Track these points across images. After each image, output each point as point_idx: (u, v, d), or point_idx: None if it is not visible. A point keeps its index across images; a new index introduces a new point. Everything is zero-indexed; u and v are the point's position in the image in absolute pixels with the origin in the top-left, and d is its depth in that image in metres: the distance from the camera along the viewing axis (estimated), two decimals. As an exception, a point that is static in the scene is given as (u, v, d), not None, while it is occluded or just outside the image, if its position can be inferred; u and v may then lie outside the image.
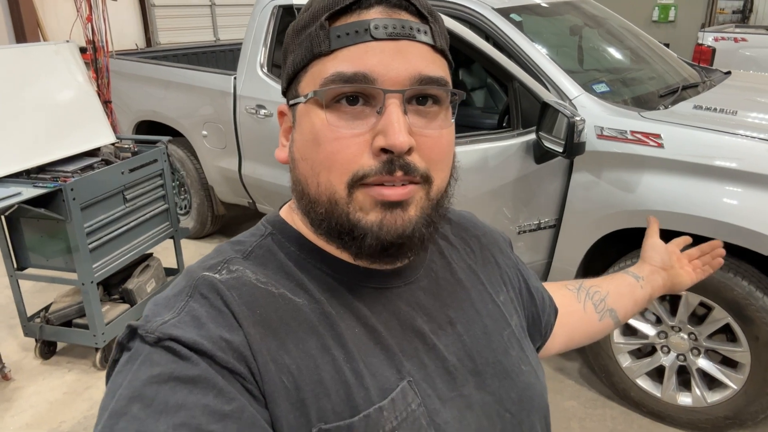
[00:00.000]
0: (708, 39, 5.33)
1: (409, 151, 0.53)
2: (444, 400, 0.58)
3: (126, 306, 2.68)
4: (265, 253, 0.60)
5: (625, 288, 0.95)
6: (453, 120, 0.59)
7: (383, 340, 0.58)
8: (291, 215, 0.64)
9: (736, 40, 5.26)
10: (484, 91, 3.94)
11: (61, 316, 2.57)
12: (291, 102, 0.60)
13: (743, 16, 10.44)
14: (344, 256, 0.60)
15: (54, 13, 6.45)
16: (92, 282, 2.42)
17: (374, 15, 0.54)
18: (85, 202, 2.35)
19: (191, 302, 0.54)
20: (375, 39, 0.53)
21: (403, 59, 0.54)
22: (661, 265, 0.99)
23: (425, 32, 0.56)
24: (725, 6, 9.99)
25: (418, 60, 0.54)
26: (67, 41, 2.75)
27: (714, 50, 5.20)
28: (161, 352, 0.50)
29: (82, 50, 2.82)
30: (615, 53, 2.87)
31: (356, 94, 0.54)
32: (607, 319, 0.91)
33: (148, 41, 7.94)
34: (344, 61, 0.53)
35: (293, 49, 0.58)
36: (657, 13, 8.12)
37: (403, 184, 0.54)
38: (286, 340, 0.54)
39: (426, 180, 0.55)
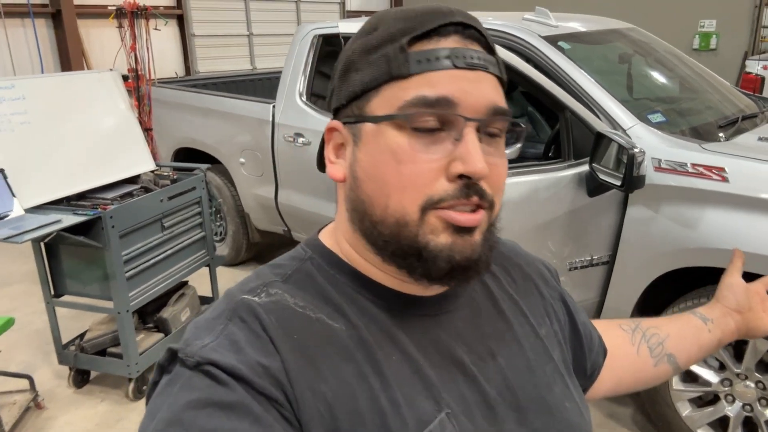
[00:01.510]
0: (756, 67, 5.16)
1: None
2: None
3: (160, 335, 2.63)
4: (305, 277, 0.60)
5: (689, 331, 0.86)
6: (507, 151, 0.60)
7: (422, 369, 0.56)
8: (331, 239, 0.63)
9: (787, 68, 5.09)
10: (525, 120, 3.86)
11: (96, 345, 2.54)
12: (354, 119, 0.58)
13: (787, 44, 10.18)
14: (387, 282, 0.60)
15: (99, 42, 6.63)
16: (128, 311, 2.38)
17: (452, 44, 0.55)
18: (123, 229, 2.33)
19: (230, 326, 0.54)
20: (456, 67, 0.54)
21: (481, 89, 0.55)
22: (736, 308, 0.89)
23: (493, 64, 0.57)
24: (767, 34, 9.76)
25: (491, 91, 0.56)
26: (111, 69, 2.78)
27: (763, 79, 5.02)
28: (200, 377, 0.50)
29: (125, 78, 2.85)
30: (667, 82, 2.76)
31: (440, 119, 0.54)
32: (664, 365, 0.84)
33: (188, 69, 8.08)
34: (426, 86, 0.54)
35: (362, 67, 0.57)
36: (698, 41, 7.96)
37: (472, 210, 0.54)
38: (323, 367, 0.53)
39: (491, 206, 0.56)
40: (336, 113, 0.61)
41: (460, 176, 0.53)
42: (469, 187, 0.53)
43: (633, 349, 0.83)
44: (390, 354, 0.56)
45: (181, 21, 7.94)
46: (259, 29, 9.13)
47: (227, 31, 8.74)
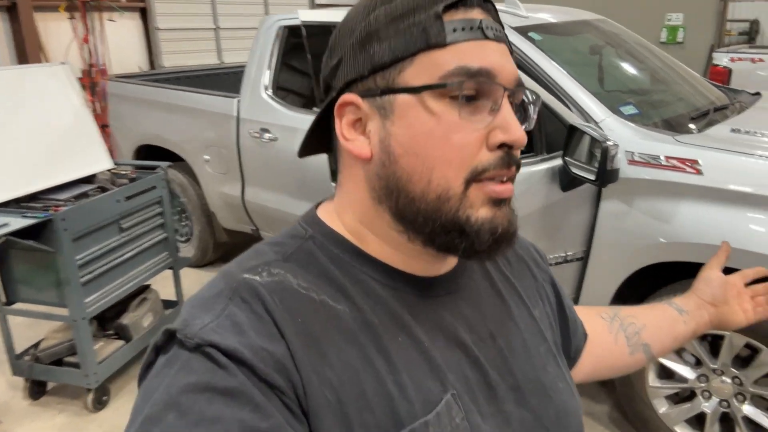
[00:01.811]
0: (723, 60, 5.20)
1: None
2: (485, 416, 0.56)
3: (121, 342, 2.51)
4: (306, 256, 0.57)
5: (664, 322, 0.88)
6: None
7: (427, 351, 0.55)
8: (332, 217, 0.61)
9: (753, 60, 5.13)
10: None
11: (52, 354, 2.40)
12: (381, 91, 0.55)
13: (750, 37, 10.37)
14: (393, 262, 0.58)
15: (57, 35, 6.35)
16: (84, 318, 2.26)
17: (477, 15, 0.55)
18: (77, 232, 2.20)
19: (231, 306, 0.51)
20: (486, 38, 0.54)
21: (508, 61, 0.56)
22: (711, 300, 0.90)
23: (507, 37, 0.58)
24: (731, 27, 9.92)
25: (513, 63, 0.56)
26: (63, 63, 2.63)
27: (730, 71, 5.07)
28: (200, 359, 0.48)
29: (85, 73, 2.69)
30: (638, 73, 2.73)
31: (479, 90, 0.54)
32: (639, 354, 0.86)
33: (152, 64, 7.85)
34: (464, 56, 0.53)
35: (388, 36, 0.54)
36: (665, 34, 8.04)
37: (504, 181, 0.55)
38: (328, 352, 0.51)
39: (515, 177, 0.57)
40: (346, 87, 0.57)
41: (501, 146, 0.53)
42: (509, 156, 0.54)
43: (611, 338, 0.85)
44: (395, 336, 0.55)
45: (145, 14, 7.70)
46: (226, 23, 8.92)
47: (193, 25, 8.52)
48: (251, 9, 9.21)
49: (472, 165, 0.53)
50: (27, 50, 6.04)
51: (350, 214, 0.59)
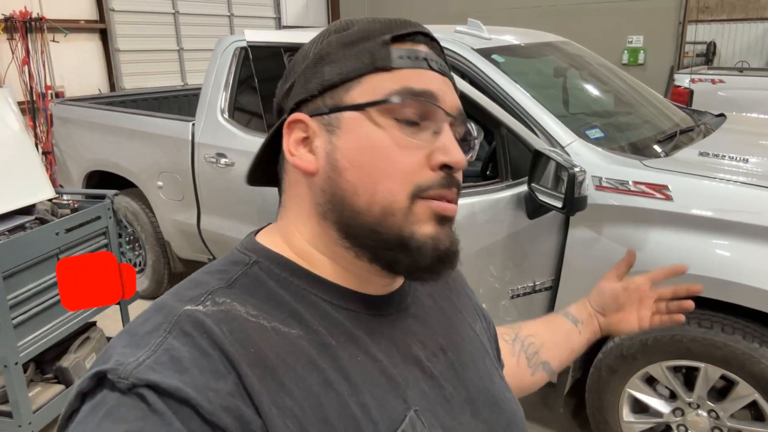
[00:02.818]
0: (684, 81, 5.27)
1: None
2: (446, 429, 0.57)
3: (61, 387, 2.31)
4: (252, 281, 0.55)
5: (561, 336, 0.92)
6: None
7: (386, 369, 0.55)
8: (276, 241, 0.59)
9: (713, 81, 5.21)
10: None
11: (-19, 403, 2.20)
12: (329, 110, 0.57)
13: (707, 59, 10.67)
14: (344, 282, 0.58)
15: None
16: (17, 363, 2.06)
17: (423, 49, 0.58)
18: (8, 269, 2.02)
19: (170, 339, 0.47)
20: (431, 69, 0.58)
21: (452, 92, 0.59)
22: (600, 310, 0.95)
23: (452, 76, 0.61)
24: (689, 49, 10.19)
25: (456, 96, 0.60)
26: (1, 86, 2.46)
27: (692, 92, 5.13)
28: (131, 403, 0.43)
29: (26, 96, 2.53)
30: (603, 96, 2.69)
31: (421, 112, 0.56)
32: (540, 373, 0.89)
33: (112, 86, 7.63)
34: (409, 80, 0.56)
35: (338, 59, 0.57)
36: (627, 56, 8.17)
37: (449, 200, 0.56)
38: (286, 380, 0.49)
39: (457, 199, 0.59)
40: (297, 107, 0.59)
41: (443, 167, 0.55)
42: (451, 177, 0.56)
43: (514, 360, 0.87)
44: (354, 355, 0.54)
45: (105, 36, 7.50)
46: (189, 44, 8.77)
47: (155, 47, 8.36)
48: (216, 30, 9.08)
49: (414, 181, 0.54)
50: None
51: (297, 236, 0.59)
